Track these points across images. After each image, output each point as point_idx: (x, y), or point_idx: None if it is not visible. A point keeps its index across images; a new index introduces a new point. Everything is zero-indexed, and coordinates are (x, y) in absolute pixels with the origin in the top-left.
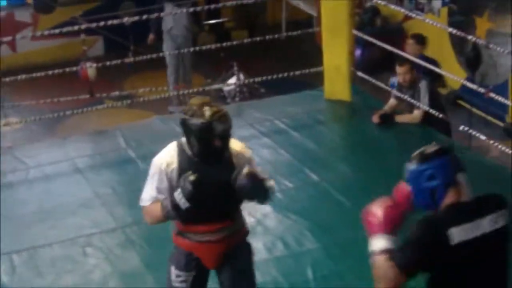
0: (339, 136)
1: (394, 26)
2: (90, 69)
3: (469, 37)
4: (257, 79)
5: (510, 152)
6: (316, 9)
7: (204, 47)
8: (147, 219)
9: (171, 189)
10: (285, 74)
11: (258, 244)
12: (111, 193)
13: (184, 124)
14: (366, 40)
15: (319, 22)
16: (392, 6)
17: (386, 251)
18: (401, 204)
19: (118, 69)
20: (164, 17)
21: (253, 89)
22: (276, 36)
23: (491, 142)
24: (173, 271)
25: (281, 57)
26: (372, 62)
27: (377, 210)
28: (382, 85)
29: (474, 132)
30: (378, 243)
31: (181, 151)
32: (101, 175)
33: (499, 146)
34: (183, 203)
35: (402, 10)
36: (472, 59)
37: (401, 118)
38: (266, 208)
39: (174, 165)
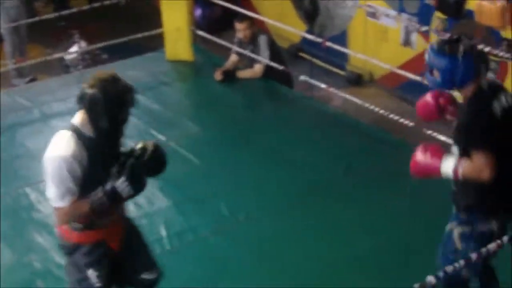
0: (184, 95)
1: None
2: None
3: None
4: (99, 45)
5: (350, 98)
6: None
7: (43, 17)
8: (64, 218)
9: (88, 181)
10: (126, 38)
11: None
12: None
13: (90, 96)
14: None
15: None
16: None
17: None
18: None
19: None
20: None
21: (96, 55)
22: (115, 0)
23: (331, 89)
24: (92, 273)
25: (122, 22)
26: (213, 21)
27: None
28: (223, 42)
29: (315, 82)
30: (448, 164)
31: (79, 136)
32: None
33: (340, 94)
34: (128, 190)
35: None
36: (309, 12)
37: (243, 74)
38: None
39: (82, 153)
